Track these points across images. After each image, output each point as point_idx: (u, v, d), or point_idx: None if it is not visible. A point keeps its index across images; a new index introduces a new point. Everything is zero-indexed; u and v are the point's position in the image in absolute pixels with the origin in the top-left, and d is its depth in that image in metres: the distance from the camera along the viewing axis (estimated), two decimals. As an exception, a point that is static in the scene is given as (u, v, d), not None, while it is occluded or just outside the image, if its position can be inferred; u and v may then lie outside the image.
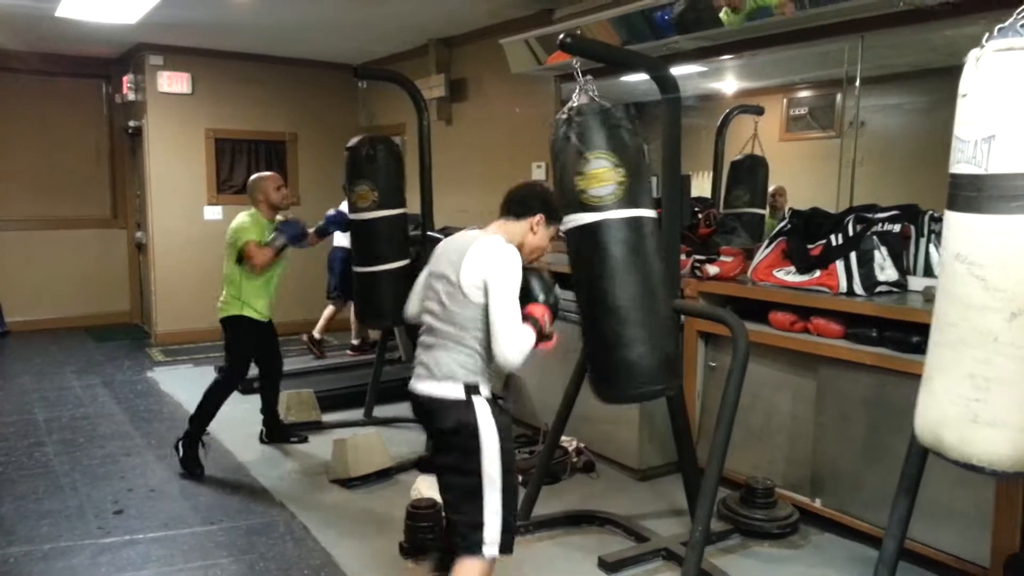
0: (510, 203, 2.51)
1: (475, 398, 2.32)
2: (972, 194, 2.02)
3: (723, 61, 4.70)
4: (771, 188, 4.84)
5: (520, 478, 3.86)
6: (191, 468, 4.15)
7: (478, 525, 2.30)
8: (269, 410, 4.64)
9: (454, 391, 2.33)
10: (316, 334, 6.79)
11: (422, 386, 2.40)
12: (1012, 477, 2.06)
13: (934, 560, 3.05)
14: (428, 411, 2.40)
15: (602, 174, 2.67)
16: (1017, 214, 1.93)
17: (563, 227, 2.77)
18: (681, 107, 3.09)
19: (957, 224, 2.08)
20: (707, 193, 5.29)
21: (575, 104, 2.76)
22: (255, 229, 4.22)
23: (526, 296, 2.38)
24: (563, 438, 4.17)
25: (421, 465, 4.18)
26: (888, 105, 4.29)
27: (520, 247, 2.45)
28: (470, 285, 2.32)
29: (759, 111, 5.08)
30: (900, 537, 2.42)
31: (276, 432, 4.64)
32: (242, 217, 4.30)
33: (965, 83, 2.02)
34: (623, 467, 4.17)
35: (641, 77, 4.36)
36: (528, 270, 2.42)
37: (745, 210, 4.98)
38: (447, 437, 2.36)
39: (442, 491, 2.48)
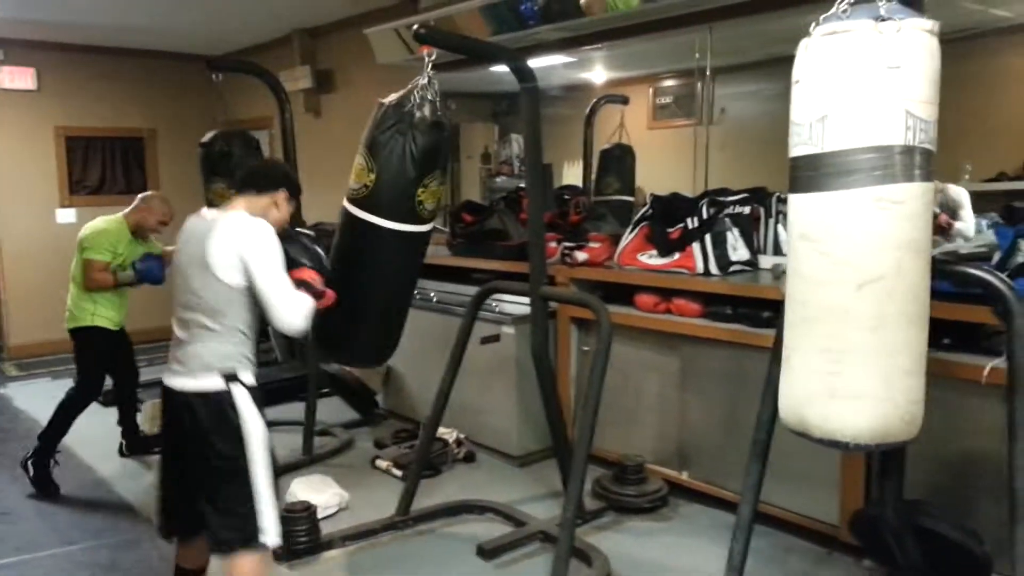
0: (253, 178, 2.51)
1: (233, 386, 2.29)
2: (811, 174, 2.10)
3: (588, 52, 4.78)
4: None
5: (401, 473, 3.90)
6: (44, 487, 3.93)
7: (250, 515, 2.28)
8: (127, 422, 4.42)
9: (210, 383, 2.29)
10: None
11: (176, 381, 2.34)
12: (873, 449, 2.09)
13: (790, 522, 3.24)
14: (182, 405, 2.32)
15: (356, 168, 2.91)
16: (853, 188, 2.02)
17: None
18: (539, 97, 3.13)
19: (799, 205, 2.16)
20: (579, 181, 5.42)
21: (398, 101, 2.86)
22: (109, 241, 4.01)
23: (290, 264, 2.42)
24: (444, 430, 4.18)
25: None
26: (745, 93, 4.50)
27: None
28: (224, 266, 2.28)
29: (624, 101, 5.23)
30: (753, 502, 2.54)
31: (135, 444, 4.42)
32: (100, 223, 4.07)
33: (797, 70, 2.12)
34: (503, 455, 4.22)
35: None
36: (284, 239, 2.44)
37: (614, 197, 5.12)
38: (209, 429, 2.29)
39: (193, 488, 2.36)
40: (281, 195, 2.50)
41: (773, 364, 2.59)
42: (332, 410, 4.99)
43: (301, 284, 2.40)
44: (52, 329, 6.71)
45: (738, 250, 3.55)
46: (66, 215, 7.20)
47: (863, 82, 1.91)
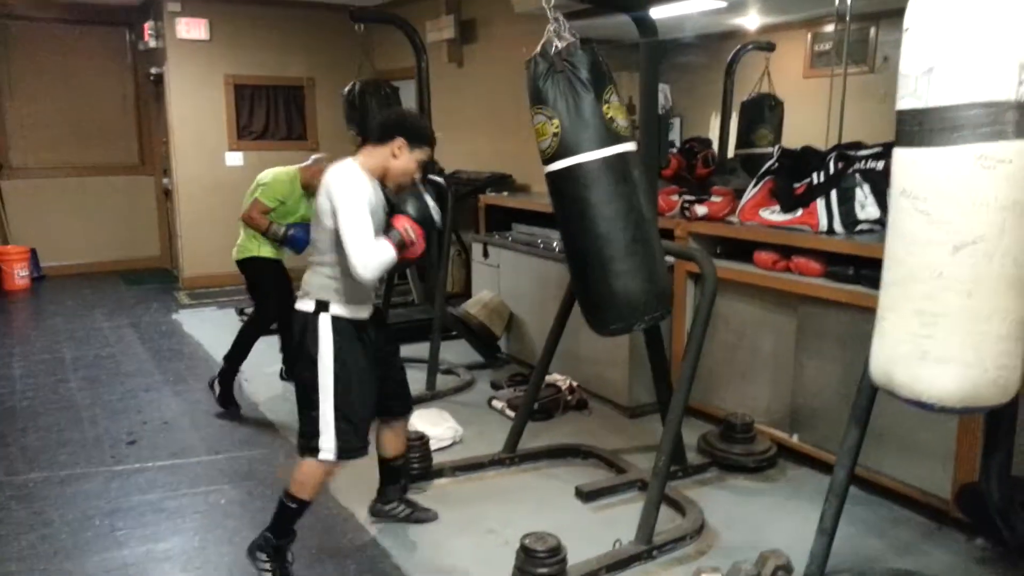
0: (373, 129, 2.65)
1: (322, 314, 2.55)
2: (914, 128, 2.01)
3: None
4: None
5: (513, 414, 4.05)
6: (227, 404, 4.31)
7: (315, 432, 2.57)
8: (288, 347, 4.80)
9: (306, 306, 2.59)
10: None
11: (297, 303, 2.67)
12: (959, 412, 2.05)
13: (900, 493, 3.12)
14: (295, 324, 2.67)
15: (541, 127, 2.75)
16: (956, 144, 1.92)
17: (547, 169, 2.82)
18: (660, 50, 3.09)
19: (902, 159, 2.08)
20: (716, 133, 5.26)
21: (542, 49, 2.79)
22: (281, 191, 4.27)
23: (392, 212, 2.57)
24: (558, 377, 4.31)
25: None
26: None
27: (386, 171, 2.59)
28: (322, 211, 2.54)
29: (770, 47, 5.00)
30: (850, 466, 2.48)
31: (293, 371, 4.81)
32: (280, 172, 4.33)
33: (908, 16, 2.01)
34: (615, 405, 4.28)
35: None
36: (406, 189, 2.60)
37: (756, 150, 4.94)
38: (297, 347, 2.62)
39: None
40: (398, 143, 2.58)
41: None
42: (459, 351, 5.22)
43: (390, 230, 2.52)
44: (219, 263, 7.38)
45: (867, 208, 3.38)
46: (234, 158, 7.81)
47: (972, 34, 1.79)
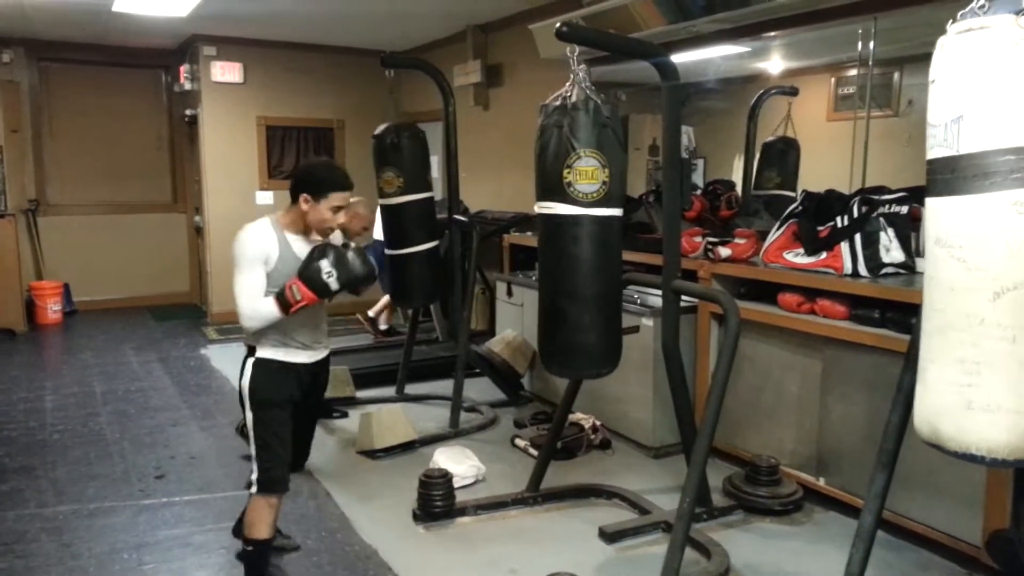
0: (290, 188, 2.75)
1: (249, 359, 2.73)
2: (947, 176, 2.01)
3: (759, 41, 4.62)
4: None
5: (536, 453, 4.06)
6: None
7: (252, 464, 2.79)
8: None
9: (243, 351, 2.80)
10: (371, 314, 7.05)
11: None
12: (1011, 465, 1.95)
13: (928, 538, 3.08)
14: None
15: (592, 172, 2.84)
16: (991, 191, 1.93)
17: (538, 210, 2.97)
18: (680, 94, 3.15)
19: (935, 209, 2.07)
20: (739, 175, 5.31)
21: (570, 94, 2.87)
22: None
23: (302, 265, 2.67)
24: (581, 416, 4.31)
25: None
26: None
27: (308, 226, 2.71)
28: None
29: (793, 92, 5.06)
30: (877, 511, 2.46)
31: None
32: None
33: (933, 69, 2.04)
34: (639, 445, 4.27)
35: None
36: (320, 245, 2.70)
37: (773, 192, 4.98)
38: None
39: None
40: (303, 199, 2.66)
41: (905, 371, 2.51)
42: (483, 389, 5.24)
43: (280, 290, 2.62)
44: (247, 299, 7.49)
45: (891, 251, 3.39)
46: (264, 197, 7.97)
47: (1000, 81, 1.82)
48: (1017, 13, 1.80)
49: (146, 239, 8.63)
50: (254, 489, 2.76)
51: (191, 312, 8.45)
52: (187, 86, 7.74)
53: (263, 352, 2.71)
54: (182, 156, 8.72)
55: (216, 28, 7.15)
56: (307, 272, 2.63)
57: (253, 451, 2.75)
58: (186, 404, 5.22)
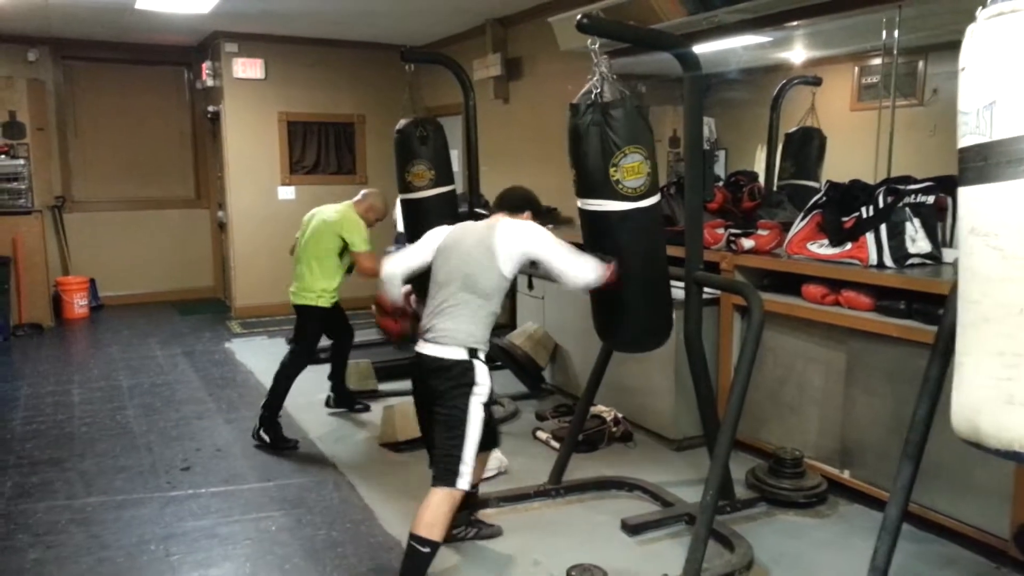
0: (508, 201, 3.01)
1: (476, 361, 2.72)
2: (980, 164, 1.96)
3: (782, 31, 4.56)
4: None
5: (558, 445, 4.06)
6: (281, 446, 4.28)
7: (447, 469, 2.66)
8: (338, 378, 4.89)
9: (456, 353, 2.72)
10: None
11: (430, 349, 2.75)
12: None
13: (955, 531, 3.06)
14: (432, 369, 2.75)
15: (638, 167, 2.89)
16: None
17: (587, 207, 3.02)
18: (702, 84, 3.13)
19: (969, 198, 2.01)
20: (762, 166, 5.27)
21: (600, 90, 2.87)
22: (367, 233, 4.38)
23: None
24: (602, 409, 4.31)
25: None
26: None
27: None
28: (506, 259, 2.75)
29: (816, 81, 5.00)
30: (903, 503, 2.44)
31: (343, 399, 4.90)
32: (347, 214, 4.38)
33: (963, 57, 2.00)
34: (661, 438, 4.27)
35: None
36: None
37: (797, 182, 4.94)
38: (447, 389, 2.71)
39: (432, 430, 2.80)
40: (526, 215, 2.97)
41: (932, 363, 2.49)
42: (504, 382, 5.25)
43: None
44: (270, 293, 7.56)
45: (917, 242, 3.35)
46: (286, 192, 8.02)
47: (1035, 62, 1.78)
48: (1049, -5, 1.77)
49: (170, 234, 8.72)
50: (464, 484, 2.66)
51: (215, 306, 8.53)
52: (209, 83, 7.79)
53: (483, 354, 2.76)
54: (205, 152, 8.79)
55: (237, 25, 7.19)
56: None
57: (473, 453, 2.67)
58: (211, 397, 5.28)
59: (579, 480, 3.68)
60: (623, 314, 3.15)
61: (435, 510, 2.63)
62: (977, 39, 1.96)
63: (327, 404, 4.93)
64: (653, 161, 2.95)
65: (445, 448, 2.67)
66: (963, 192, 2.03)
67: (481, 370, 2.71)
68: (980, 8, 1.96)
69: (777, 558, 3.06)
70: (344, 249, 4.38)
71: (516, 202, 3.02)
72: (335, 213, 4.41)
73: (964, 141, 2.01)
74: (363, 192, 4.61)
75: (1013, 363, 1.89)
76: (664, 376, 4.12)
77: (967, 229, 2.02)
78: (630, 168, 2.88)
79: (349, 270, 4.49)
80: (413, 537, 2.63)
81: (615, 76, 2.92)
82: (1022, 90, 1.84)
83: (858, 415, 3.46)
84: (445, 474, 2.65)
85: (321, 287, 4.38)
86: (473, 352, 2.72)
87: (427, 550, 2.61)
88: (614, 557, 3.05)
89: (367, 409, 4.91)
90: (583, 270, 2.81)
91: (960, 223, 2.05)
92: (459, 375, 2.70)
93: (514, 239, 2.78)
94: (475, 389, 2.69)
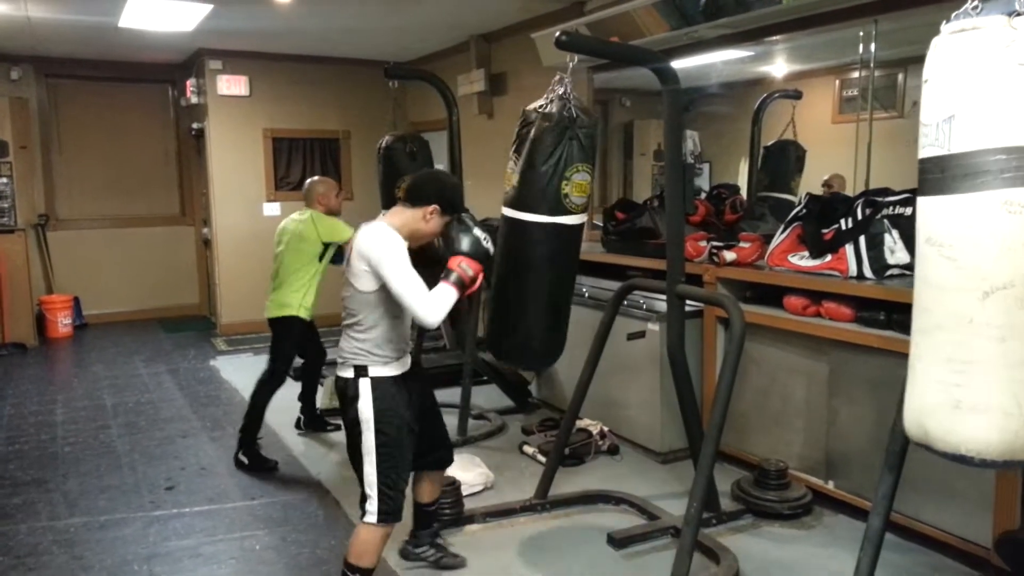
0: (408, 190, 2.62)
1: (361, 379, 2.55)
2: (937, 176, 2.02)
3: (761, 45, 4.61)
4: (826, 176, 4.72)
5: (545, 459, 4.06)
6: (263, 467, 4.24)
7: (363, 496, 2.59)
8: (308, 399, 4.83)
9: (346, 372, 2.60)
10: None
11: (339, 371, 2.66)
12: (1001, 467, 1.96)
13: (939, 540, 3.07)
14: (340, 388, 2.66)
15: (585, 185, 2.96)
16: (981, 191, 1.93)
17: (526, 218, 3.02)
18: (681, 98, 3.16)
19: (926, 208, 2.09)
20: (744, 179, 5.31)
21: (563, 104, 2.91)
22: (341, 223, 4.36)
23: (451, 250, 2.57)
24: (589, 422, 4.31)
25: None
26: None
27: (412, 234, 2.58)
28: (360, 271, 2.50)
29: (797, 95, 5.05)
30: (885, 513, 2.45)
31: (312, 421, 4.84)
32: (318, 217, 4.35)
33: (927, 69, 2.05)
34: (647, 450, 4.27)
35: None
36: (456, 217, 2.62)
37: (777, 195, 4.98)
38: (343, 414, 2.64)
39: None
40: (432, 209, 2.58)
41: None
42: (490, 397, 5.25)
43: (448, 274, 2.51)
44: (256, 310, 7.44)
45: (896, 253, 3.38)
46: (271, 208, 8.00)
47: (991, 81, 1.83)
48: (1009, 14, 1.81)
49: (155, 252, 8.68)
50: (372, 519, 2.56)
51: (200, 324, 8.49)
52: (193, 100, 7.80)
53: (377, 370, 2.56)
54: (190, 169, 8.77)
55: (221, 42, 7.20)
56: (469, 245, 2.55)
57: (374, 479, 2.54)
58: (196, 415, 5.25)
59: (565, 494, 3.68)
60: (525, 328, 3.21)
61: (358, 542, 2.60)
62: (940, 53, 2.01)
63: (297, 426, 4.83)
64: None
65: (359, 476, 2.62)
66: (921, 202, 2.09)
67: (364, 385, 2.54)
68: (945, 22, 2.00)
69: (762, 570, 3.06)
70: (325, 251, 4.35)
71: (415, 191, 2.61)
72: (306, 224, 4.34)
73: (924, 152, 2.07)
74: (311, 188, 4.48)
75: (961, 370, 1.96)
76: (649, 389, 4.14)
77: (923, 238, 2.08)
78: (579, 186, 2.96)
79: (338, 260, 4.34)
80: (345, 563, 2.61)
81: (575, 96, 3.00)
82: (980, 106, 1.90)
83: (841, 425, 3.48)
84: (360, 503, 2.61)
85: (300, 297, 4.33)
86: (360, 370, 2.55)
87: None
88: (600, 571, 3.06)
89: (338, 429, 4.83)
90: (423, 311, 2.42)
91: (917, 232, 2.11)
92: (347, 394, 2.59)
93: (365, 249, 2.49)
94: (359, 405, 2.54)
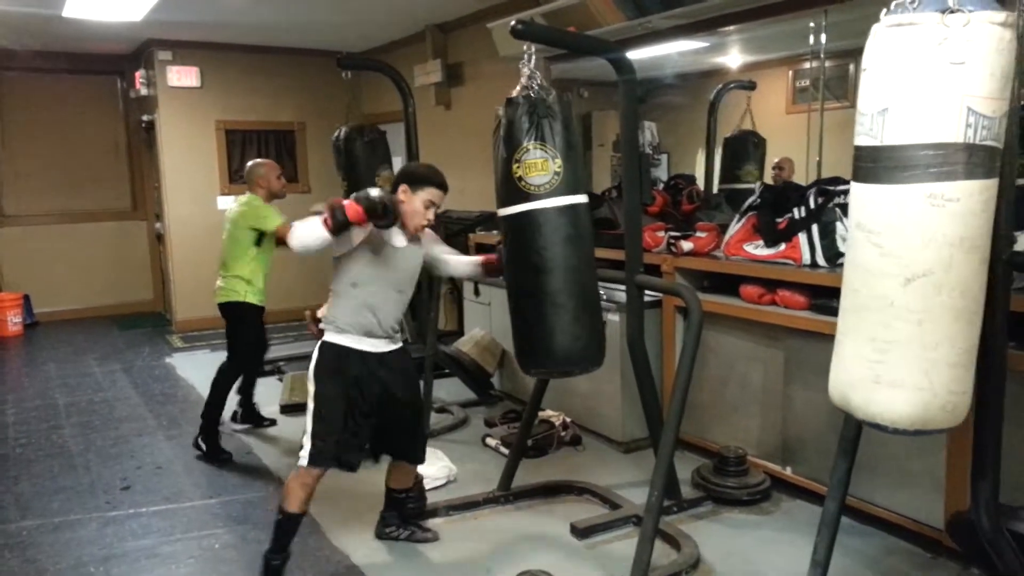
0: (392, 182, 2.95)
1: (320, 341, 2.91)
2: (870, 165, 2.10)
3: (716, 36, 4.62)
4: (776, 160, 4.79)
5: (508, 451, 4.07)
6: (217, 457, 4.23)
7: (301, 444, 2.87)
8: (247, 392, 4.75)
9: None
10: (320, 314, 6.96)
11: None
12: (912, 435, 2.14)
13: (893, 523, 3.15)
14: None
15: (539, 164, 2.82)
16: (909, 183, 2.00)
17: (500, 214, 2.97)
18: (636, 88, 3.17)
19: (858, 194, 2.17)
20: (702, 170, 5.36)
21: (515, 93, 2.88)
22: (272, 211, 4.28)
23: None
24: (551, 413, 4.33)
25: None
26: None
27: (403, 216, 2.83)
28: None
29: (751, 86, 5.11)
30: (840, 498, 2.51)
31: (249, 414, 4.77)
32: (254, 201, 4.30)
33: (865, 58, 2.10)
34: (609, 440, 4.30)
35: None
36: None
37: (737, 186, 5.04)
38: None
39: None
40: (402, 188, 2.86)
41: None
42: (452, 389, 5.24)
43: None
44: (212, 306, 7.32)
45: (848, 241, 3.44)
46: (226, 202, 7.79)
47: (924, 77, 1.89)
48: (943, 12, 1.85)
49: (107, 247, 8.50)
50: (303, 462, 2.82)
51: (155, 320, 8.34)
52: (143, 91, 7.63)
53: (331, 336, 2.87)
54: (140, 162, 8.59)
55: (171, 32, 7.05)
56: (357, 194, 2.71)
57: (308, 428, 2.83)
58: (151, 413, 5.15)
59: (529, 486, 3.69)
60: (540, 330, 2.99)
61: (288, 484, 2.90)
62: (878, 44, 2.05)
63: (233, 419, 4.73)
64: (567, 164, 2.84)
65: None
66: (854, 188, 2.18)
67: (318, 346, 2.89)
68: (884, 12, 2.04)
69: (723, 556, 3.11)
70: (261, 237, 4.28)
71: (395, 181, 2.93)
72: (240, 209, 4.31)
73: (859, 140, 2.15)
74: (252, 172, 4.42)
75: (883, 348, 2.09)
76: (611, 379, 4.16)
77: (854, 223, 2.18)
78: (530, 165, 2.82)
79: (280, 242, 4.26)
80: (278, 508, 2.92)
81: (540, 81, 2.90)
82: (912, 101, 1.96)
83: (797, 412, 3.54)
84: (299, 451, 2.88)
85: (246, 283, 4.28)
86: (323, 333, 2.91)
87: (280, 516, 2.90)
88: (564, 562, 3.07)
89: (274, 424, 4.81)
90: (291, 233, 2.76)
91: (850, 216, 2.21)
92: None
93: None
94: (311, 362, 2.89)
